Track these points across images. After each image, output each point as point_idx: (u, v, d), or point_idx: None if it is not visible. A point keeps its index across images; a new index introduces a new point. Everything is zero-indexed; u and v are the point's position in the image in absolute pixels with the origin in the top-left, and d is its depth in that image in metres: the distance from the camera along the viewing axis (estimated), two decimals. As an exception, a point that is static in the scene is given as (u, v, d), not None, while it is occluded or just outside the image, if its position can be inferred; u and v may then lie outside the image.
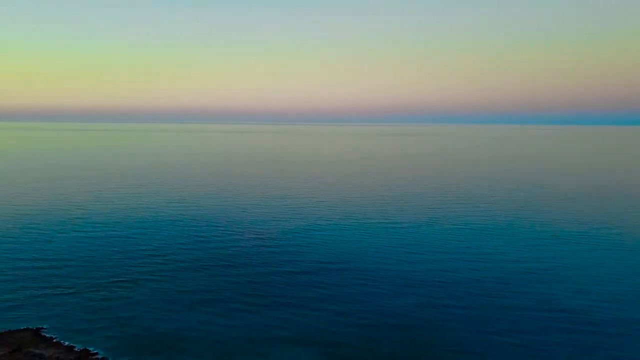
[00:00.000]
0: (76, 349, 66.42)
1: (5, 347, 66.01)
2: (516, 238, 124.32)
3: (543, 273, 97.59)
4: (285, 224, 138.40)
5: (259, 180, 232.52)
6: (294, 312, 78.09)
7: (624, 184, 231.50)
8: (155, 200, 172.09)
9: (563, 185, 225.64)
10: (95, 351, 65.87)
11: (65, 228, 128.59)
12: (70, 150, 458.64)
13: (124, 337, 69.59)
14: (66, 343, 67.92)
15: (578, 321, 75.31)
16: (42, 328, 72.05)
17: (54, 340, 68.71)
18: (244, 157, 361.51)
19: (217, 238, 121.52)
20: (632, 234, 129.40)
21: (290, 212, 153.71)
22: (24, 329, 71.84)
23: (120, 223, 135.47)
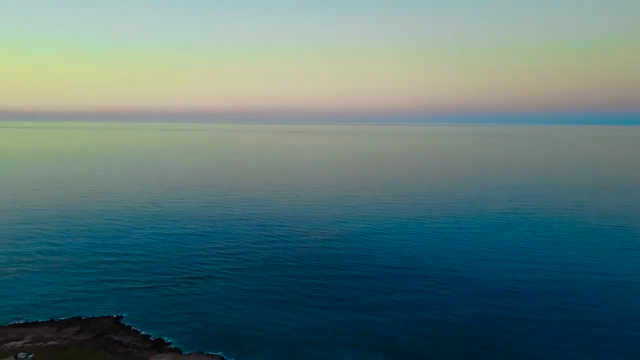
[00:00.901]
0: (151, 338, 70.06)
1: (90, 332, 70.92)
2: (600, 248, 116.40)
3: (631, 286, 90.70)
4: (354, 225, 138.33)
5: (338, 181, 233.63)
6: (358, 317, 77.72)
7: None
8: (230, 199, 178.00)
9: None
10: (168, 341, 69.16)
11: (144, 225, 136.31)
12: (160, 150, 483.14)
13: (195, 330, 72.51)
14: (143, 332, 71.85)
15: (669, 342, 69.16)
16: (121, 317, 76.69)
17: (132, 329, 72.92)
18: (328, 159, 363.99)
19: (285, 238, 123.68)
20: None
21: (361, 213, 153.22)
22: (106, 316, 76.82)
23: (195, 221, 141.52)
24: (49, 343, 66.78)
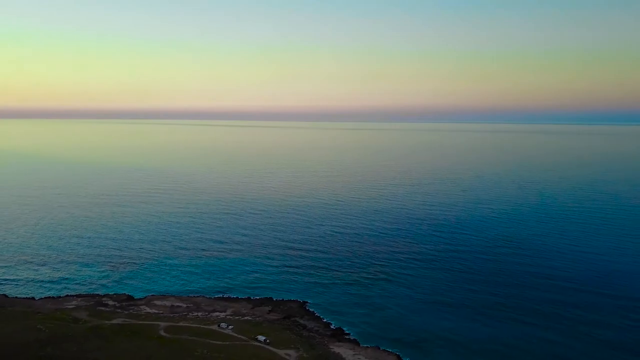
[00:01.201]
0: (332, 326, 73.26)
1: (279, 313, 77.26)
2: None
3: None
4: (548, 236, 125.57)
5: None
6: (543, 334, 70.28)
7: None
8: (414, 200, 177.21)
9: None
10: (347, 331, 71.53)
11: (331, 220, 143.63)
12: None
13: (373, 325, 73.63)
14: (325, 319, 75.59)
15: None
16: (306, 302, 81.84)
17: (315, 315, 77.28)
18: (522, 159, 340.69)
19: (468, 245, 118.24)
20: None
21: (562, 224, 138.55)
22: (294, 300, 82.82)
23: (378, 220, 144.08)
24: (245, 318, 74.54)
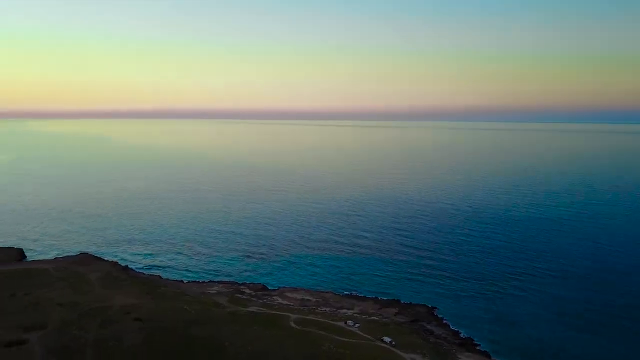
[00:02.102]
0: (461, 335, 70.30)
1: (406, 316, 76.14)
2: None
3: None
4: None
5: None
6: None
7: None
8: (555, 206, 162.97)
9: None
10: (478, 342, 68.06)
11: (463, 224, 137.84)
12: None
13: (506, 338, 69.21)
14: (453, 327, 72.82)
15: None
16: (435, 308, 79.56)
17: (444, 321, 74.78)
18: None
19: (608, 258, 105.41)
20: None
21: None
22: (422, 304, 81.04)
23: (507, 228, 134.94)
24: (371, 317, 74.72)
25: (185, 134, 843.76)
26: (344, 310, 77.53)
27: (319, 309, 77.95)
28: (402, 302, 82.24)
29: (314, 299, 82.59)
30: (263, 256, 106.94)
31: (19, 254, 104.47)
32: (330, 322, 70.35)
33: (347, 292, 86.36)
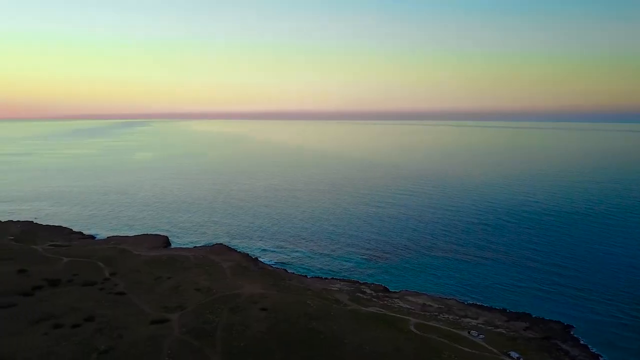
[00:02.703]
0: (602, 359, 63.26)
1: (537, 332, 70.53)
2: None
3: None
4: None
5: None
6: None
7: None
8: None
9: None
10: (623, 369, 60.75)
11: (601, 236, 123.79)
12: None
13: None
14: (593, 349, 65.74)
15: None
16: (571, 327, 72.55)
17: (581, 342, 67.86)
18: None
19: None
20: None
21: None
22: (556, 321, 74.42)
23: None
24: (497, 330, 70.45)
25: (321, 134, 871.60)
26: (468, 320, 74.12)
27: (441, 315, 75.45)
28: (532, 316, 76.39)
29: (436, 305, 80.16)
30: (386, 258, 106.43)
31: (165, 241, 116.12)
32: (453, 330, 67.71)
33: (471, 301, 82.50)
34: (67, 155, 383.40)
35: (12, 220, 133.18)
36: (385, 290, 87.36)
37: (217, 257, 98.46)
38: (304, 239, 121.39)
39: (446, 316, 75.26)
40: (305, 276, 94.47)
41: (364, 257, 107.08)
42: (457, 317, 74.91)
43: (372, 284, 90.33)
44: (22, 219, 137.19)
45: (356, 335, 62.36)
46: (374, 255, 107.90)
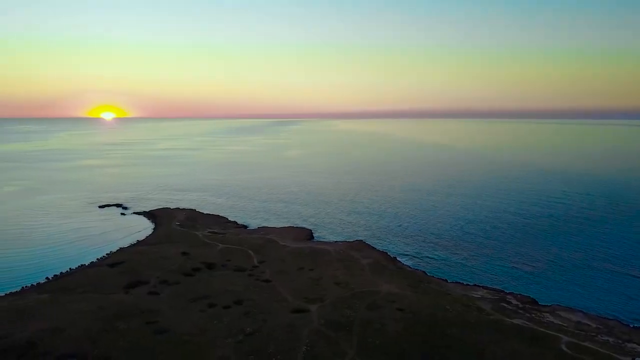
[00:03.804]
0: None
1: None
2: None
3: None
4: None
5: None
6: None
7: None
8: None
9: None
10: None
11: None
12: None
13: None
14: None
15: None
16: None
17: None
18: None
19: None
20: None
21: None
22: None
23: None
24: (671, 361, 60.82)
25: (464, 133, 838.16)
26: (633, 345, 65.16)
27: (600, 337, 67.43)
28: None
29: (594, 325, 71.85)
30: (535, 267, 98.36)
31: (309, 234, 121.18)
32: (614, 354, 60.14)
33: (638, 324, 72.39)
34: (227, 151, 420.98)
35: (179, 208, 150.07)
36: (534, 302, 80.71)
37: (356, 253, 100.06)
38: (445, 241, 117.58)
39: (606, 338, 67.09)
40: (446, 280, 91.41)
41: (510, 265, 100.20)
42: (620, 341, 66.32)
43: (519, 294, 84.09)
44: (187, 207, 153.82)
45: (497, 346, 58.69)
46: (522, 264, 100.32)
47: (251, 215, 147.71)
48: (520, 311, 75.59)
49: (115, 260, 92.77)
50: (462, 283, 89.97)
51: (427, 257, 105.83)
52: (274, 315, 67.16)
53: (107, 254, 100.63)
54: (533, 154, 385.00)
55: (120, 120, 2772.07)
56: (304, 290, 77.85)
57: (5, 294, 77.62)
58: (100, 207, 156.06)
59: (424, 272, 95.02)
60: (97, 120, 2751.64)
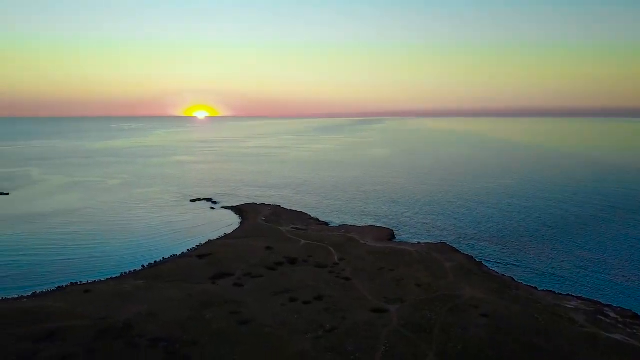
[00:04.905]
0: None
1: None
2: None
3: None
4: None
5: None
6: None
7: None
8: None
9: None
10: None
11: None
12: None
13: None
14: None
15: None
16: None
17: None
18: None
19: None
20: None
21: None
22: None
23: None
24: None
25: (546, 132, 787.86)
26: None
27: None
28: None
29: None
30: (636, 278, 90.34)
31: (390, 234, 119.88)
32: None
33: None
34: (310, 149, 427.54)
35: (264, 204, 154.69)
36: (636, 317, 74.04)
37: (439, 255, 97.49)
38: (537, 248, 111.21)
39: None
40: (535, 288, 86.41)
41: (609, 275, 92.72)
42: None
43: (618, 307, 77.55)
44: (272, 203, 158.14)
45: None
46: (622, 275, 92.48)
47: (333, 212, 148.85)
48: (620, 325, 69.69)
49: (204, 252, 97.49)
50: (554, 292, 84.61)
51: (516, 262, 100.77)
52: (353, 313, 67.19)
53: (196, 245, 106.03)
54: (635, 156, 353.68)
55: (211, 119, 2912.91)
56: (383, 290, 77.18)
57: (107, 279, 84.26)
58: (191, 201, 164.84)
59: (512, 278, 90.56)
60: (191, 119, 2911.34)
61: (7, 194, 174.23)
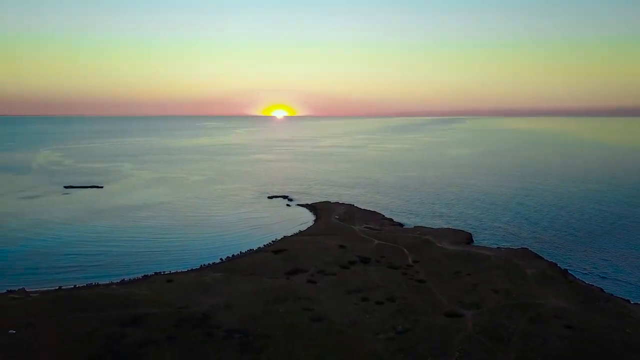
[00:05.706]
0: None
1: None
2: None
3: None
4: None
5: None
6: None
7: None
8: None
9: None
10: None
11: None
12: None
13: None
14: None
15: None
16: None
17: None
18: None
19: None
20: None
21: None
22: None
23: None
24: None
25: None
26: None
27: None
28: None
29: None
30: None
31: (468, 237, 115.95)
32: None
33: None
34: (386, 149, 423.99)
35: (338, 202, 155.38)
36: None
37: (520, 261, 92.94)
38: (630, 257, 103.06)
39: None
40: (628, 301, 79.87)
41: None
42: None
43: None
44: (346, 201, 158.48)
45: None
46: None
47: (407, 213, 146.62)
48: None
49: (279, 248, 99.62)
50: (649, 305, 77.79)
51: (605, 272, 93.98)
52: (427, 316, 65.77)
53: (272, 241, 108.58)
54: None
55: (289, 119, 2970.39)
56: (459, 295, 74.84)
57: (188, 270, 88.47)
58: (268, 197, 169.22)
59: (600, 289, 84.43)
60: (269, 118, 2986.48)
61: (102, 187, 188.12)
